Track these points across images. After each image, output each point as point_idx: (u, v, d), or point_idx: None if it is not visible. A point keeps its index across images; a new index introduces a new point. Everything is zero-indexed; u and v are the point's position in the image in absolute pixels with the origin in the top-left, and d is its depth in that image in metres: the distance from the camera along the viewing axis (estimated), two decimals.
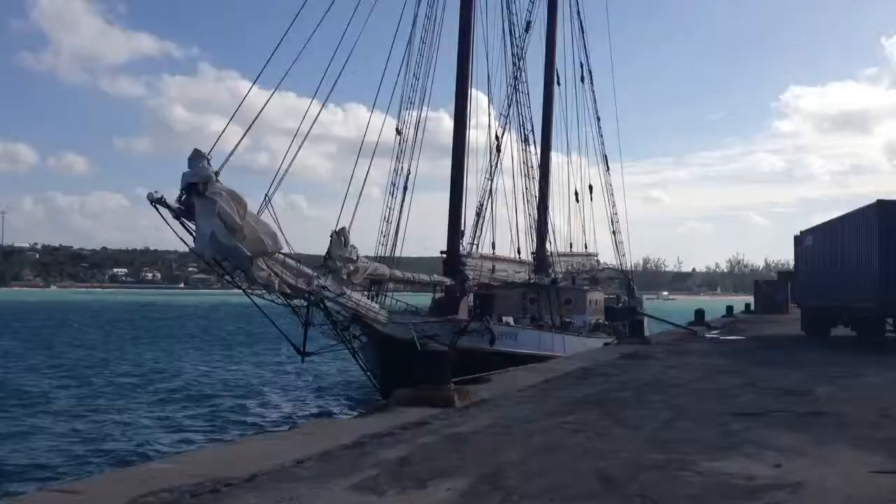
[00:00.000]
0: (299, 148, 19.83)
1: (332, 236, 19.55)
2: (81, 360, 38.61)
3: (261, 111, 18.88)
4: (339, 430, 9.31)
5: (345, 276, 19.45)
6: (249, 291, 17.30)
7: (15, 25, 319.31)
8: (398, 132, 28.54)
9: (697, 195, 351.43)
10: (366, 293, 23.14)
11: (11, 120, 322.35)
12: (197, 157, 15.41)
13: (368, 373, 22.44)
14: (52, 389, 27.61)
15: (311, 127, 20.86)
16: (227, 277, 17.25)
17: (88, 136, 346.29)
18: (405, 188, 28.78)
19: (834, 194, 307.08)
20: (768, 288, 51.65)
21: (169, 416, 23.04)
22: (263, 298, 17.63)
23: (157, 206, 15.36)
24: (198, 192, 15.27)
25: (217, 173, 15.57)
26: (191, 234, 15.83)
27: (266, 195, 18.44)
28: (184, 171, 15.51)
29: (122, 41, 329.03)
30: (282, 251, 17.02)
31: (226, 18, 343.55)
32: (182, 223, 15.78)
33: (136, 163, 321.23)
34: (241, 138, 18.54)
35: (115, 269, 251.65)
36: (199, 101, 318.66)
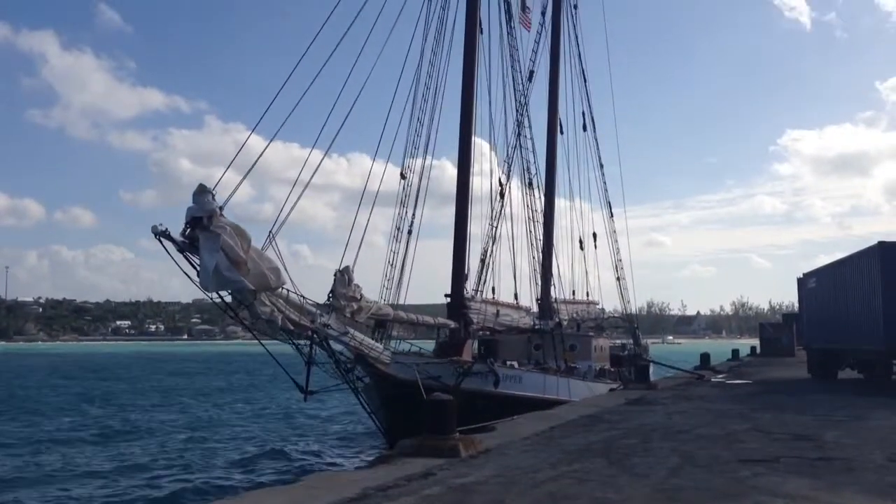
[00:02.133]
0: (302, 191, 20.13)
1: (335, 275, 19.61)
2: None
3: (260, 156, 19.29)
4: (343, 482, 9.21)
5: (348, 315, 19.45)
6: (253, 329, 17.37)
7: (26, 83, 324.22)
8: (403, 177, 28.73)
9: (699, 238, 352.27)
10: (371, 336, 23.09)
11: (20, 176, 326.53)
12: (202, 192, 15.60)
13: (372, 414, 22.31)
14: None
15: (313, 175, 21.15)
16: (231, 314, 17.29)
17: (95, 190, 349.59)
18: (409, 232, 28.90)
19: (835, 236, 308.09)
20: (773, 331, 51.48)
21: (162, 471, 22.70)
22: (267, 336, 17.70)
23: (162, 239, 15.50)
24: (202, 226, 15.43)
25: (221, 208, 15.74)
26: (194, 268, 15.94)
27: (270, 232, 18.60)
28: (188, 206, 15.68)
29: (131, 97, 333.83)
30: (285, 286, 17.09)
31: (233, 73, 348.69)
32: (186, 257, 15.90)
33: (141, 215, 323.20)
34: (242, 180, 18.93)
35: (118, 322, 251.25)
36: (205, 153, 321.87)
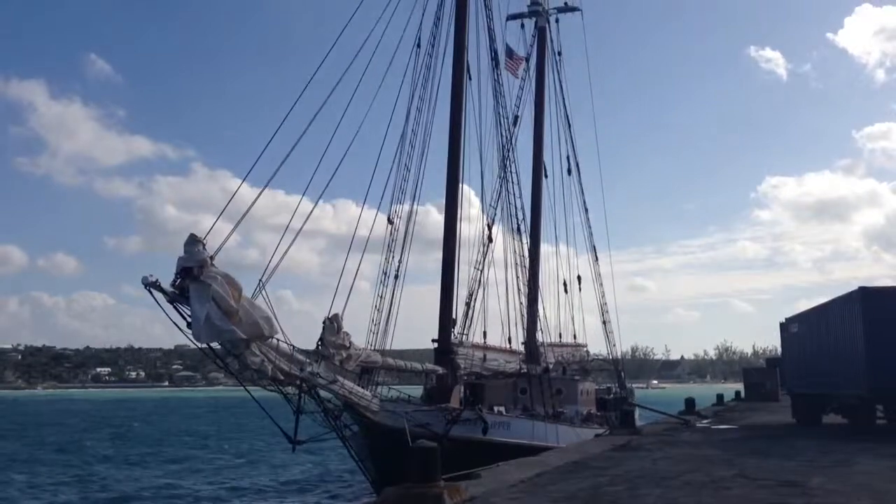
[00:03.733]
0: (293, 240, 20.20)
1: (324, 322, 19.53)
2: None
3: (251, 205, 19.36)
4: None
5: (337, 363, 19.35)
6: (241, 378, 17.20)
7: (13, 132, 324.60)
8: (390, 222, 28.79)
9: (682, 283, 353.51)
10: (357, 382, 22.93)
11: (5, 223, 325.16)
12: (192, 242, 15.58)
13: (360, 462, 22.08)
14: None
15: (304, 224, 21.23)
16: (219, 363, 17.12)
17: (79, 237, 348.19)
18: (396, 277, 28.88)
19: (816, 281, 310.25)
20: (757, 375, 51.49)
21: None
22: (255, 385, 17.51)
23: (152, 290, 15.39)
24: (192, 277, 15.36)
25: (212, 258, 15.70)
26: (185, 318, 15.82)
27: (260, 280, 18.49)
28: (179, 256, 15.63)
29: (119, 144, 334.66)
30: (277, 336, 17.00)
31: (221, 120, 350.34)
32: (176, 307, 15.80)
33: (125, 261, 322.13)
34: (233, 230, 18.80)
35: (98, 369, 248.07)
36: (190, 200, 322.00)
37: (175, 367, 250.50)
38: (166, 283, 15.61)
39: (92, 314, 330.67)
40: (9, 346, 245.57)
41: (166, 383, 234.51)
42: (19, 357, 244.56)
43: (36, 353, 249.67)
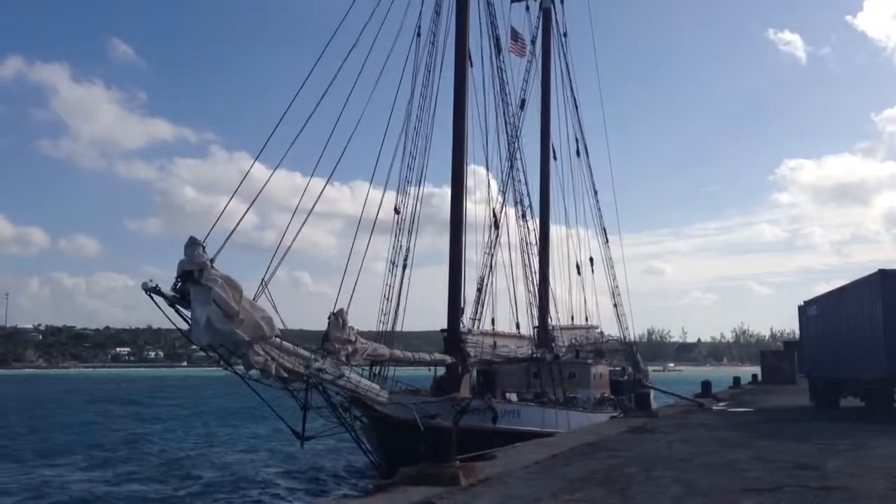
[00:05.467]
0: (301, 225, 20.00)
1: (329, 318, 19.49)
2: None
3: (264, 185, 19.34)
4: None
5: (343, 358, 19.31)
6: (247, 377, 17.21)
7: (36, 114, 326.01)
8: (396, 211, 28.68)
9: (699, 266, 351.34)
10: (366, 371, 22.93)
11: (27, 205, 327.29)
12: (192, 245, 15.54)
13: (370, 455, 22.11)
14: None
15: (314, 206, 21.14)
16: (223, 363, 17.10)
17: (100, 219, 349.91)
18: (404, 266, 28.82)
19: (835, 263, 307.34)
20: (775, 358, 51.35)
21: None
22: (261, 383, 17.49)
23: (153, 294, 15.43)
24: (193, 280, 15.38)
25: (212, 260, 15.67)
26: (186, 321, 15.85)
27: (262, 279, 18.37)
28: (180, 259, 15.66)
29: (140, 127, 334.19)
30: (278, 336, 16.96)
31: (240, 103, 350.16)
32: (177, 310, 15.84)
33: (144, 243, 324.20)
34: (243, 215, 18.73)
35: (117, 349, 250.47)
36: (209, 182, 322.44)
37: (193, 347, 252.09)
38: (167, 288, 15.64)
39: (112, 295, 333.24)
40: (29, 327, 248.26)
41: (185, 363, 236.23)
42: (40, 337, 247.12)
43: (56, 332, 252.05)
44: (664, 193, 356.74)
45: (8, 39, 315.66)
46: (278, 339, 17.04)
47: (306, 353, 18.07)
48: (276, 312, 17.01)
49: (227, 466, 29.34)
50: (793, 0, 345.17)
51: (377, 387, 21.36)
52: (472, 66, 30.15)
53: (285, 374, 17.31)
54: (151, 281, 15.44)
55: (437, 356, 26.66)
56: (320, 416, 19.84)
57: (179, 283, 15.59)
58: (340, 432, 20.77)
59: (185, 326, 15.93)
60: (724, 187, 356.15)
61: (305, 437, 19.05)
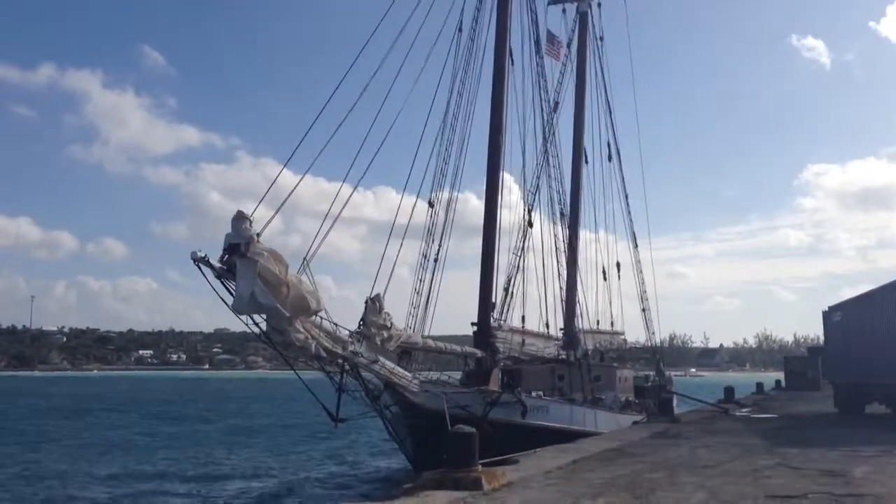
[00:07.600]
0: (333, 223, 20.21)
1: (366, 302, 19.70)
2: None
3: (292, 191, 19.53)
4: None
5: (378, 343, 19.50)
6: (285, 356, 17.46)
7: (68, 120, 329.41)
8: (430, 205, 28.63)
9: (722, 270, 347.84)
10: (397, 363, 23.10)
11: (58, 209, 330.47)
12: (240, 219, 15.78)
13: (399, 441, 22.28)
14: None
15: (343, 208, 21.27)
16: (263, 338, 17.30)
17: (128, 223, 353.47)
18: (436, 261, 28.82)
19: (860, 269, 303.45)
20: (799, 364, 50.87)
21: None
22: (298, 364, 17.80)
23: (200, 265, 15.65)
24: (239, 253, 15.56)
25: (259, 234, 15.90)
26: (231, 294, 16.04)
27: (304, 258, 18.69)
28: (226, 233, 15.86)
29: (168, 133, 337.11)
30: (324, 309, 17.19)
31: (266, 109, 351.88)
32: (223, 283, 16.04)
33: (170, 247, 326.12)
34: (274, 215, 18.92)
35: (140, 352, 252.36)
36: (234, 187, 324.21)
37: (215, 350, 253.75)
38: (216, 261, 15.87)
39: (136, 298, 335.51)
40: (54, 329, 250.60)
41: (206, 366, 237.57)
42: (64, 339, 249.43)
43: (80, 335, 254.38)
44: (687, 197, 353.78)
45: (41, 47, 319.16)
46: (319, 319, 17.25)
47: (345, 336, 18.29)
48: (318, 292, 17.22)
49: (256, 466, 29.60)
50: (816, 6, 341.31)
51: (409, 375, 21.52)
52: (512, 64, 30.17)
53: (324, 354, 17.48)
54: (200, 251, 15.66)
55: (468, 349, 26.80)
56: (353, 399, 20.01)
57: (226, 256, 15.79)
58: (373, 417, 21.02)
59: (230, 300, 16.09)
60: (748, 192, 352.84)
61: (339, 420, 19.35)
